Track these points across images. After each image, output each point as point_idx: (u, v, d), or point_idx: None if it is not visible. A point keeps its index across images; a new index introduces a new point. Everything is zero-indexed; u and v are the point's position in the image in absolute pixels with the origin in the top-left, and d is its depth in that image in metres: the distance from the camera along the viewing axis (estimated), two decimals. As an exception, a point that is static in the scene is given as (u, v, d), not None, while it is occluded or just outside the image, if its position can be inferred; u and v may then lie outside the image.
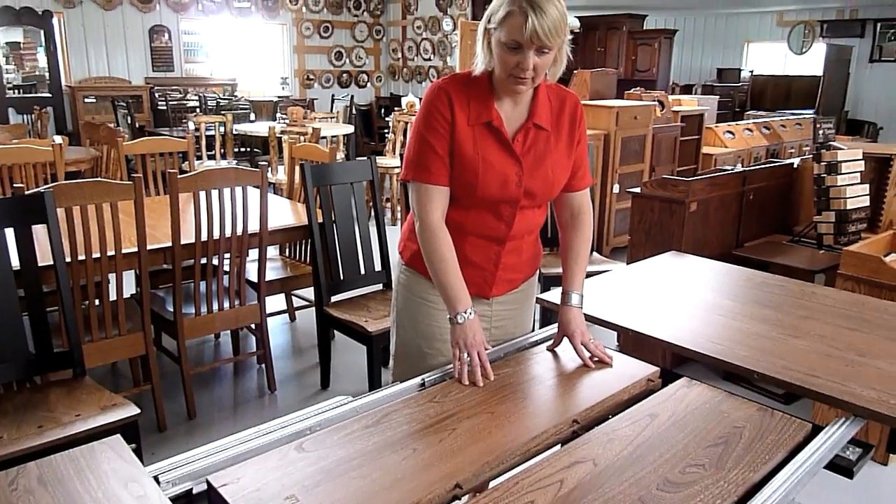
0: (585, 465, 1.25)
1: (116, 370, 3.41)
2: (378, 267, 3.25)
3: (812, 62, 11.36)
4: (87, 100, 8.68)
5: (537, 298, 1.98)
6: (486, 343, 1.65)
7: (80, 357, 2.27)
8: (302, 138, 5.46)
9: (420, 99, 1.78)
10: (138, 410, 2.11)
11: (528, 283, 1.89)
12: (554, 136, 1.68)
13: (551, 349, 1.76)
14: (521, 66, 1.50)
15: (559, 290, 1.79)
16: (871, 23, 11.08)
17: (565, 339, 1.73)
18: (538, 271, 1.95)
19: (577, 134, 1.72)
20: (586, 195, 1.82)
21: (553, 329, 1.81)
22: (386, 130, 8.19)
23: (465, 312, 1.62)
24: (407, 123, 6.56)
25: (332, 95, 10.23)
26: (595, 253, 3.73)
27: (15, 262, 2.13)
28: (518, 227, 1.72)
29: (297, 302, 4.04)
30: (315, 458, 1.26)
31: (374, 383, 2.90)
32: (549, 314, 2.34)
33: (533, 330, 1.95)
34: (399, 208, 6.37)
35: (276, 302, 3.94)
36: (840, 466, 1.36)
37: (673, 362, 2.76)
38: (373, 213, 3.27)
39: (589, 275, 1.91)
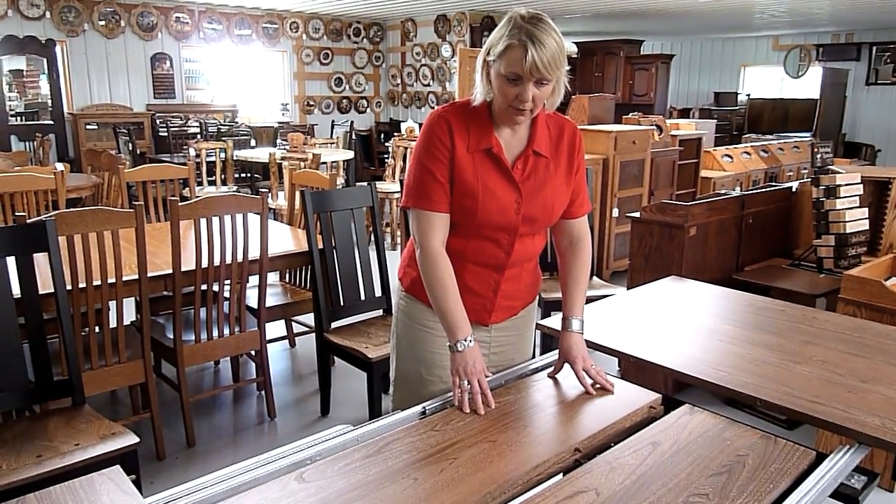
0: (588, 494, 1.24)
1: (115, 398, 3.40)
2: (378, 293, 3.24)
3: (808, 85, 11.45)
4: (88, 127, 8.73)
5: (538, 324, 1.98)
6: (486, 370, 1.64)
7: (80, 385, 2.26)
8: (302, 164, 5.49)
9: (419, 124, 1.79)
10: (137, 439, 2.10)
11: (527, 309, 1.89)
12: (553, 163, 1.70)
13: (552, 376, 1.75)
14: (520, 97, 1.52)
15: (560, 315, 1.79)
16: (866, 46, 11.20)
17: (566, 365, 1.73)
18: (538, 297, 1.95)
19: (575, 161, 1.73)
20: (584, 222, 1.83)
21: (554, 355, 1.81)
22: (386, 156, 8.23)
23: (466, 340, 1.62)
24: (406, 149, 6.59)
25: (332, 121, 10.30)
26: (595, 277, 3.73)
27: (16, 291, 2.13)
28: (517, 254, 1.72)
29: (297, 328, 4.02)
30: (316, 489, 1.25)
31: (375, 410, 2.89)
32: (549, 340, 2.33)
33: (533, 356, 1.95)
34: (399, 233, 6.38)
35: (276, 328, 3.93)
36: (845, 495, 1.35)
37: (674, 388, 2.74)
38: (373, 239, 3.27)
39: (590, 299, 1.91)
